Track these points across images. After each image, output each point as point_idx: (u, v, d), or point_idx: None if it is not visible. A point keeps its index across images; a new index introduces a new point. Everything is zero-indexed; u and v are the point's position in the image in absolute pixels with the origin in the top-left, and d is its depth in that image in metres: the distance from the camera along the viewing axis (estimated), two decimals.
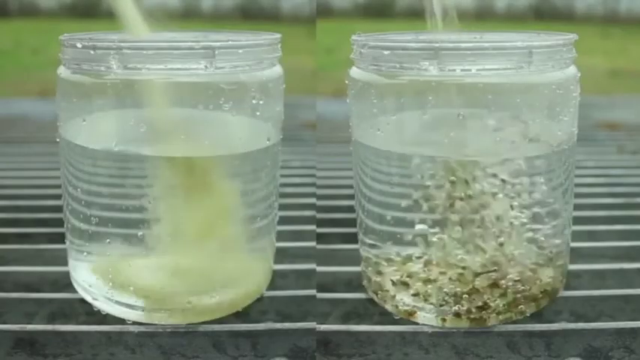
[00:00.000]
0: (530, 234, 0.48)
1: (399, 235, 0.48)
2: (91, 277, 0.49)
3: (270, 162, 0.50)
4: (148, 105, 0.45)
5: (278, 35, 0.49)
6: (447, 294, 0.47)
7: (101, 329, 0.47)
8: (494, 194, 0.46)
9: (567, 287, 0.52)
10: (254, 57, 0.47)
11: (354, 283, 0.54)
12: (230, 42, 0.45)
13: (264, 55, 0.47)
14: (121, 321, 0.48)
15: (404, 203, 0.47)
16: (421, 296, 0.47)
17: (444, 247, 0.47)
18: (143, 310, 0.47)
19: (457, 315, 0.47)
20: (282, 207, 0.55)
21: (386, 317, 0.49)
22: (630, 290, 0.52)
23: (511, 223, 0.47)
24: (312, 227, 0.64)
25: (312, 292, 0.52)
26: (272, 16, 3.49)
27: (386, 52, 0.45)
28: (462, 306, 0.47)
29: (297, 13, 3.34)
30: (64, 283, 0.53)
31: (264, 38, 0.48)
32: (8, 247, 0.61)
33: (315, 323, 0.48)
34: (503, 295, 0.47)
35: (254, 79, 0.47)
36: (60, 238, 0.53)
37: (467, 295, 0.46)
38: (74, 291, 0.51)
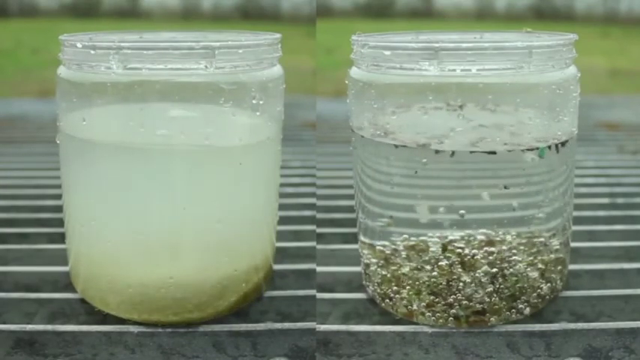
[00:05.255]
0: (530, 233, 0.48)
1: (399, 235, 0.48)
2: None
3: (271, 162, 0.50)
4: (145, 102, 0.45)
5: (278, 35, 0.49)
6: (445, 296, 0.47)
7: (101, 329, 0.47)
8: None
9: (567, 287, 0.53)
10: (254, 57, 0.47)
11: (354, 283, 0.54)
12: (230, 42, 0.45)
13: (264, 55, 0.47)
14: (121, 321, 0.48)
15: (405, 202, 0.47)
16: (421, 297, 0.47)
17: (444, 247, 0.47)
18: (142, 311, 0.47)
19: (456, 318, 0.47)
20: (282, 207, 0.55)
21: (386, 317, 0.49)
22: (630, 290, 0.52)
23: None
24: (312, 227, 0.64)
25: (312, 292, 0.52)
26: (272, 16, 3.50)
27: (386, 52, 0.45)
28: (462, 310, 0.47)
29: (297, 13, 3.35)
30: (64, 283, 0.53)
31: (264, 38, 0.48)
32: (8, 247, 0.61)
33: (315, 323, 0.48)
34: (503, 295, 0.47)
35: (254, 79, 0.47)
36: (60, 238, 0.53)
37: (466, 301, 0.47)
38: (74, 291, 0.51)
